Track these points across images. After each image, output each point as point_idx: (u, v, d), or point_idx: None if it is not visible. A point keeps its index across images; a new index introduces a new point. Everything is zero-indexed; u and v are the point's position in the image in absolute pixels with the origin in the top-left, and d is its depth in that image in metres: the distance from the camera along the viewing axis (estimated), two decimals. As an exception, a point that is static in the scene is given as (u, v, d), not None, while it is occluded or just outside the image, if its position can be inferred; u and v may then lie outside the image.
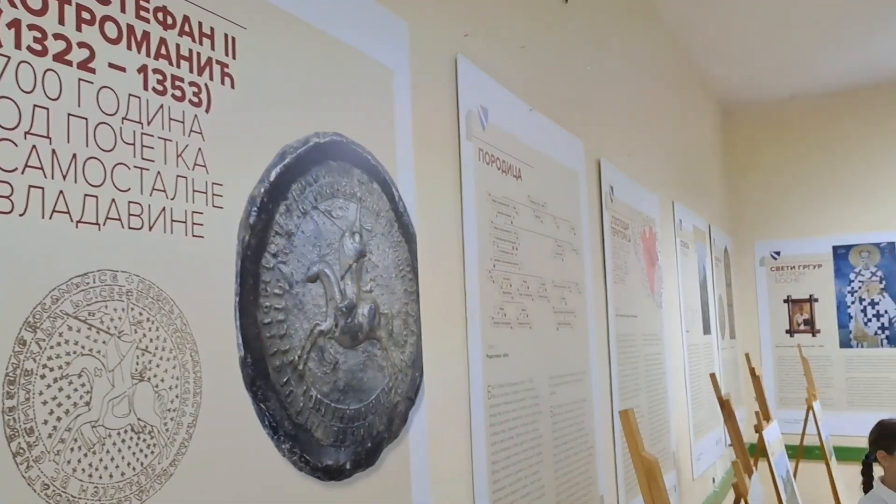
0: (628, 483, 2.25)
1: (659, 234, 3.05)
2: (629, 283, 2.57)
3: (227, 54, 0.89)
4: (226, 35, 0.89)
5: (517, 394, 1.59)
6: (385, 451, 1.10)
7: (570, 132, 2.08)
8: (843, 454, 4.33)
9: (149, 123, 0.78)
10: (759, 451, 2.83)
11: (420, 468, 1.19)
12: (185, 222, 0.81)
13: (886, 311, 4.45)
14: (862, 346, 4.51)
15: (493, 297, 1.52)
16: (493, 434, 1.46)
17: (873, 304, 4.50)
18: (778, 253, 4.79)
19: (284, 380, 0.90)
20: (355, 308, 1.04)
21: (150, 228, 0.77)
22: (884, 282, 4.47)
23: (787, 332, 4.74)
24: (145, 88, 0.78)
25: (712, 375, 2.28)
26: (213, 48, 0.87)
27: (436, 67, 1.39)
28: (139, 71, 0.78)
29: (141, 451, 0.74)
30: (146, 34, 0.79)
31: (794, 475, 3.72)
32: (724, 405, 2.12)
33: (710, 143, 4.52)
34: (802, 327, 4.69)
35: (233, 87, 0.89)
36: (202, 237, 0.82)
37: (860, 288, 4.54)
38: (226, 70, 0.88)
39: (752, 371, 3.04)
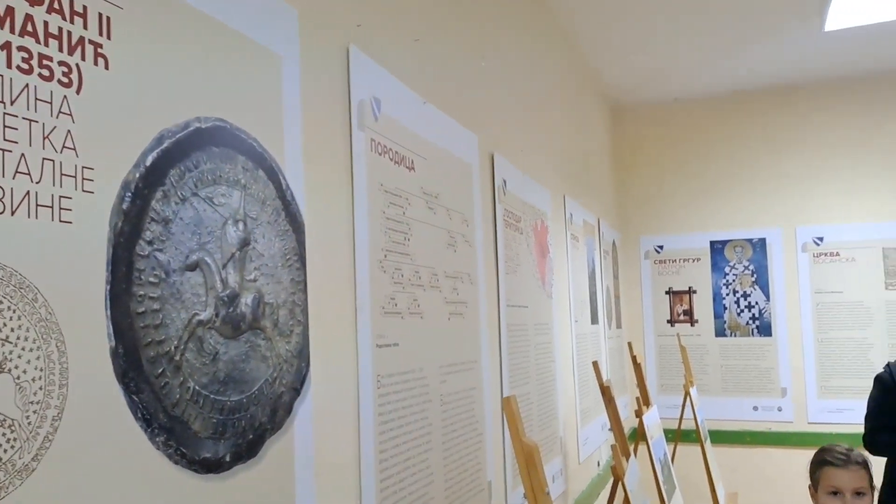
0: (515, 469, 2.32)
1: (550, 227, 3.15)
2: (521, 274, 2.64)
3: (101, 34, 0.85)
4: (100, 14, 0.85)
5: (407, 383, 1.61)
6: (268, 442, 1.09)
7: (463, 126, 2.11)
8: (717, 437, 4.63)
9: (12, 103, 0.74)
10: (640, 435, 2.99)
11: (305, 459, 1.19)
12: (51, 207, 0.77)
13: (757, 303, 4.80)
14: (735, 336, 4.83)
15: (384, 288, 1.53)
16: (381, 423, 1.48)
17: (745, 295, 4.83)
18: (661, 247, 5.05)
19: (159, 371, 0.88)
20: (238, 297, 1.03)
21: (13, 213, 0.73)
22: (755, 275, 4.81)
23: (668, 321, 5.01)
24: (9, 66, 0.74)
25: (595, 363, 2.39)
26: (85, 27, 0.83)
27: (327, 56, 1.39)
28: (2, 48, 0.74)
29: (0, 445, 0.70)
30: (10, 9, 0.75)
31: (673, 457, 3.95)
32: (605, 391, 2.23)
33: (600, 142, 4.70)
34: (682, 317, 4.98)
35: (107, 68, 0.86)
36: (70, 223, 0.79)
37: (734, 280, 4.86)
38: (99, 50, 0.85)
39: (634, 359, 3.21)
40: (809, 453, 4.78)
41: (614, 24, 3.66)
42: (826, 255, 4.64)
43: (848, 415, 4.50)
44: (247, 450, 1.03)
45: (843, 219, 4.62)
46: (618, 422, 2.17)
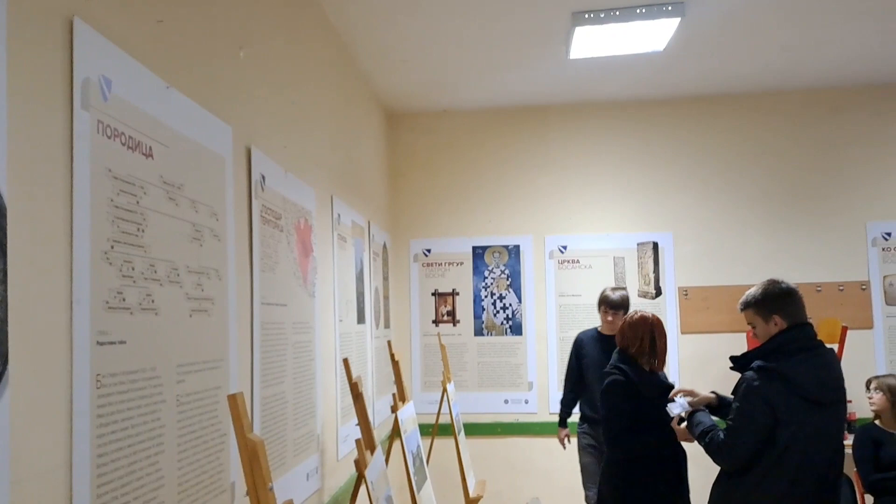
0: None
1: (315, 226, 3.15)
2: (279, 272, 2.61)
3: None
4: None
5: (135, 383, 1.51)
6: (-56, 448, 0.97)
7: (216, 116, 2.04)
8: (473, 429, 4.94)
9: None
10: (395, 430, 3.09)
11: (-5, 466, 1.07)
12: None
13: (511, 304, 5.19)
14: (491, 335, 5.19)
15: (110, 281, 1.43)
16: (101, 426, 1.37)
17: (501, 297, 5.21)
18: (429, 250, 5.28)
19: None
20: None
21: None
22: (510, 279, 5.21)
23: (433, 321, 5.25)
24: None
25: (345, 361, 2.43)
26: None
27: (44, 26, 1.27)
28: None
29: None
30: None
31: (430, 450, 4.14)
32: (353, 388, 2.28)
33: (373, 146, 4.79)
34: (446, 318, 5.24)
35: None
36: None
37: (492, 283, 5.22)
38: None
39: (393, 357, 3.31)
40: (549, 441, 5.26)
41: (386, 34, 3.76)
42: (569, 261, 5.16)
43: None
44: (-89, 459, 0.91)
45: (584, 230, 5.17)
46: (364, 417, 2.23)
